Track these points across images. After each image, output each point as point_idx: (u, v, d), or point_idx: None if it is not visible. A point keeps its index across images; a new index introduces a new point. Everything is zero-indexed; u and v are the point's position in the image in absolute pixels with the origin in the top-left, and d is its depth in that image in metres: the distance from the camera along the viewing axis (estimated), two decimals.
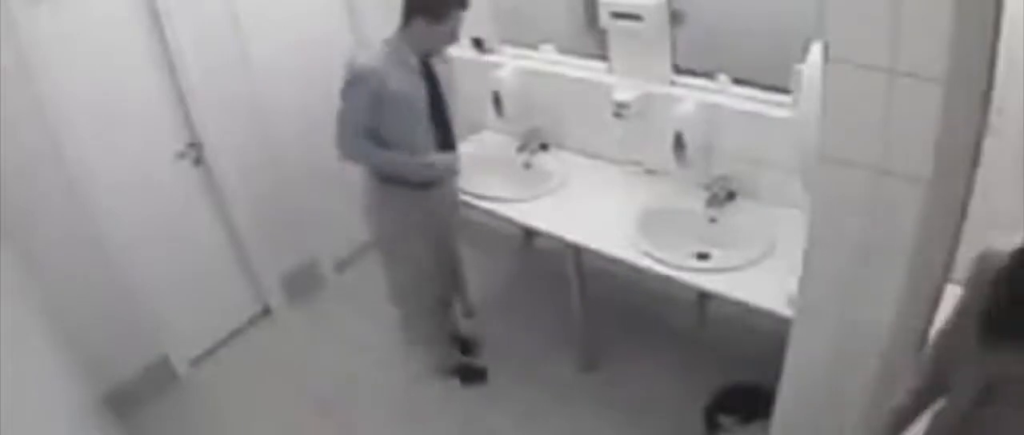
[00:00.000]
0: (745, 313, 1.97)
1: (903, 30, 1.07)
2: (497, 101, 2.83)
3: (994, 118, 1.15)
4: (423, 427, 2.68)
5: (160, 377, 2.86)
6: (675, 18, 2.31)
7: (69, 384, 2.19)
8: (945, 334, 1.15)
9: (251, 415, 2.77)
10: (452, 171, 2.37)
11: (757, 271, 2.04)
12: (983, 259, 1.04)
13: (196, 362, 3.02)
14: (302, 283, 3.33)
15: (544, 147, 2.84)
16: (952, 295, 1.17)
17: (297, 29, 2.98)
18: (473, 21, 2.90)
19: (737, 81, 2.29)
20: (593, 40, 2.61)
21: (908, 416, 1.21)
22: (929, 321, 1.31)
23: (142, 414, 2.74)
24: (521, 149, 2.82)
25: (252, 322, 3.24)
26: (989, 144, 1.15)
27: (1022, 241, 0.96)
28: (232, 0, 2.77)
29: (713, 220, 2.30)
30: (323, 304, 3.32)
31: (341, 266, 3.48)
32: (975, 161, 1.16)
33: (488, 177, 2.72)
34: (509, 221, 2.57)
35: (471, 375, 2.78)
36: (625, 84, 2.48)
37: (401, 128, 2.18)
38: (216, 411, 2.79)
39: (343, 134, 2.16)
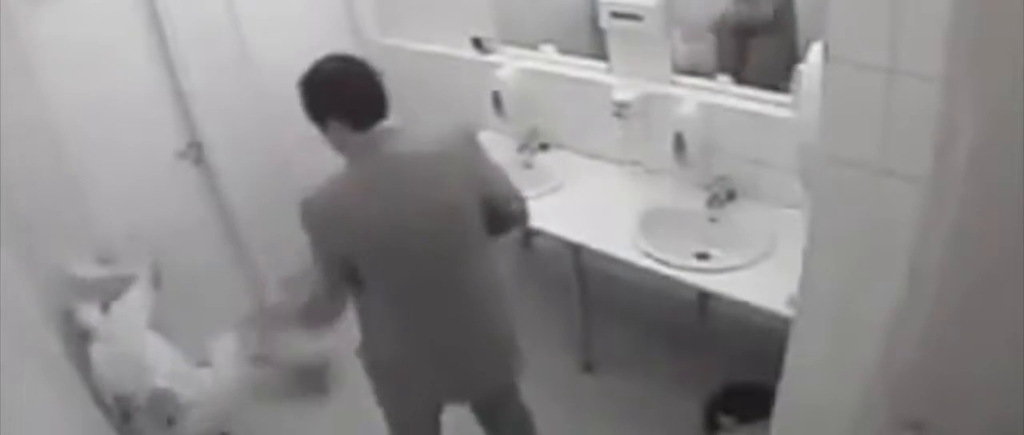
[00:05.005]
0: (745, 313, 1.97)
1: (903, 30, 1.07)
2: (497, 101, 2.84)
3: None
4: None
5: None
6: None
7: (68, 383, 2.19)
8: None
9: (251, 415, 2.77)
10: None
11: (757, 271, 2.04)
12: None
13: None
14: (303, 283, 3.32)
15: (544, 147, 2.84)
16: None
17: (297, 29, 2.98)
18: (473, 21, 2.93)
19: (737, 81, 2.29)
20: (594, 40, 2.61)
21: None
22: (929, 322, 1.31)
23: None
24: (521, 149, 2.82)
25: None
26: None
27: None
28: (232, 0, 2.77)
29: (713, 220, 2.30)
30: None
31: None
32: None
33: None
34: None
35: None
36: (625, 84, 2.48)
37: None
38: None
39: None
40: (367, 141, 1.56)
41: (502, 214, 1.71)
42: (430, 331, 1.71)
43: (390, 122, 1.58)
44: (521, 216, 1.76)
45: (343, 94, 1.56)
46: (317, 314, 1.77)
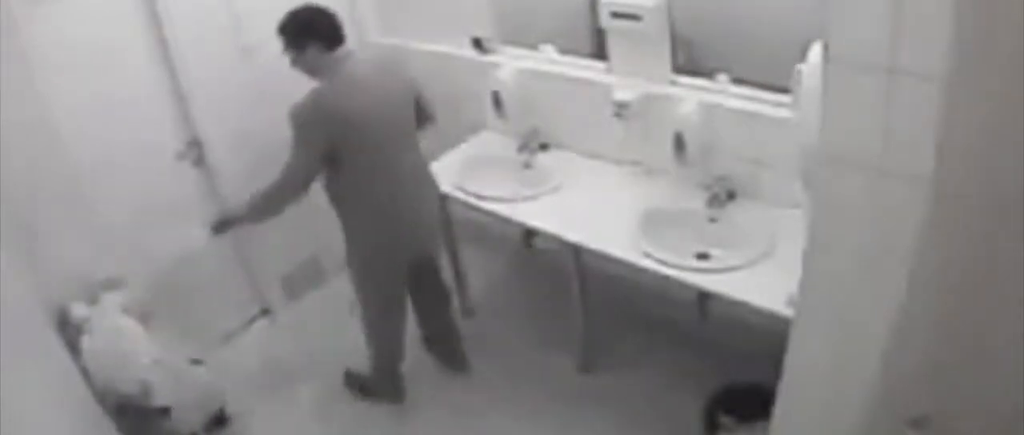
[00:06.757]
0: (745, 313, 1.97)
1: (903, 29, 1.07)
2: (497, 101, 2.83)
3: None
4: (421, 426, 2.68)
5: None
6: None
7: (70, 385, 2.19)
8: None
9: (251, 416, 2.77)
10: None
11: (757, 271, 2.04)
12: None
13: (196, 363, 3.01)
14: (302, 283, 3.33)
15: (544, 147, 2.84)
16: None
17: None
18: (473, 21, 2.92)
19: (737, 81, 2.29)
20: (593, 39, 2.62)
21: None
22: (929, 322, 1.31)
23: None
24: (521, 149, 2.82)
25: (252, 322, 3.24)
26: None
27: None
28: (232, 0, 2.77)
29: (713, 220, 2.30)
30: (323, 303, 3.32)
31: (342, 265, 3.47)
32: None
33: (488, 177, 2.72)
34: (509, 221, 2.57)
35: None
36: (625, 84, 2.48)
37: None
38: None
39: None
40: (336, 58, 2.18)
41: (424, 114, 2.46)
42: (395, 195, 2.31)
43: (348, 48, 2.23)
44: (432, 114, 2.51)
45: (319, 24, 2.17)
46: (280, 195, 2.26)
